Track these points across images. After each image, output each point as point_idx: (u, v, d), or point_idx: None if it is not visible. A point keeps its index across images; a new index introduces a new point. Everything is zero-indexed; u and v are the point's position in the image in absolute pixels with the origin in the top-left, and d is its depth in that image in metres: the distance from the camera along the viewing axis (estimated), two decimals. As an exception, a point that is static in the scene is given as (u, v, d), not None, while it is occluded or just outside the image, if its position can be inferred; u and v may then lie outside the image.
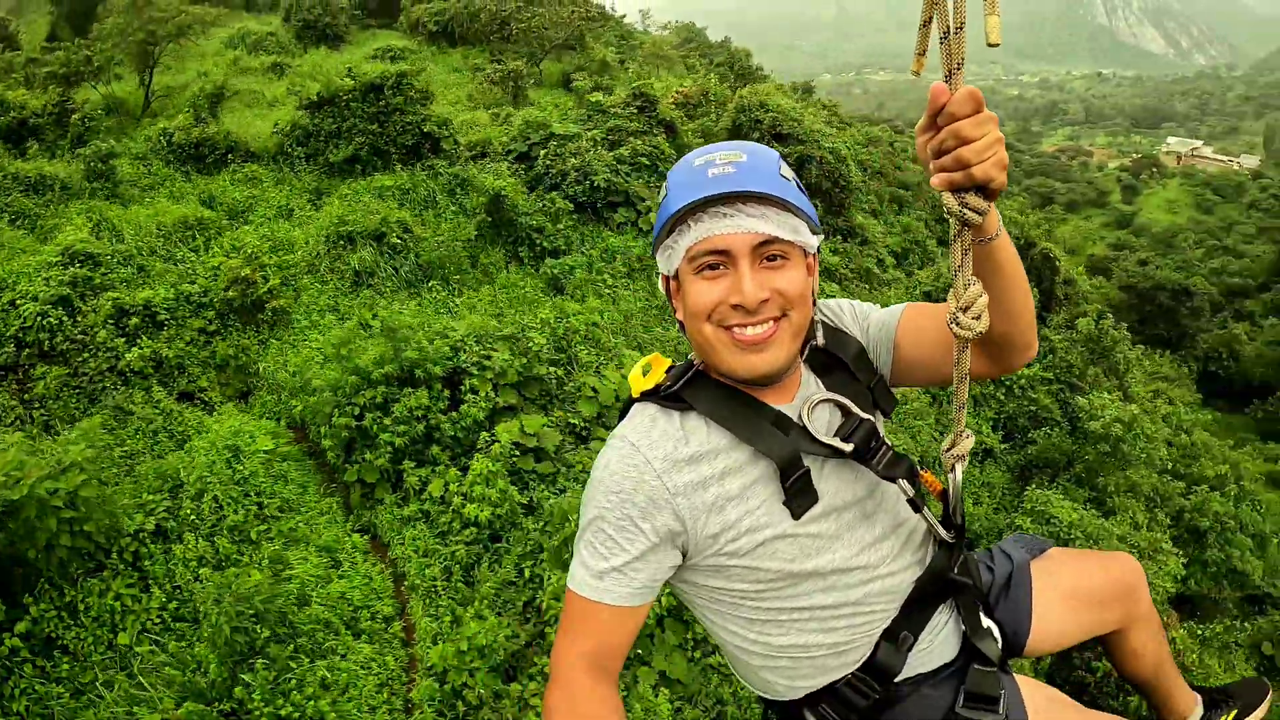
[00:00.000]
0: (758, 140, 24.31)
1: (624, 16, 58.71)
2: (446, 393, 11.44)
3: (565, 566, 6.06)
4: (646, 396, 2.01)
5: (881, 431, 2.04)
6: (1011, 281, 1.83)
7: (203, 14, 32.21)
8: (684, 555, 1.93)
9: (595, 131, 20.66)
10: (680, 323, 2.00)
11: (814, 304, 1.97)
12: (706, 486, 1.88)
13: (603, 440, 4.82)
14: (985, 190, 1.60)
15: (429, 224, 18.02)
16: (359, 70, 20.82)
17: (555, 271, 17.07)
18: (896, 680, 2.05)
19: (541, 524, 9.88)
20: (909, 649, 2.04)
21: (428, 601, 9.65)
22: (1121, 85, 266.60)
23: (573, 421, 11.78)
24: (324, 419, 11.53)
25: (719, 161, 1.87)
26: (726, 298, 1.84)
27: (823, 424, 1.98)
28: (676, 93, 26.20)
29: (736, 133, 23.07)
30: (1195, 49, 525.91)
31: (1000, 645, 2.20)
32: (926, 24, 1.58)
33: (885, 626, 2.03)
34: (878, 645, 2.02)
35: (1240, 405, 42.59)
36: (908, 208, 29.36)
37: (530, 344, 12.25)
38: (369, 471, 11.04)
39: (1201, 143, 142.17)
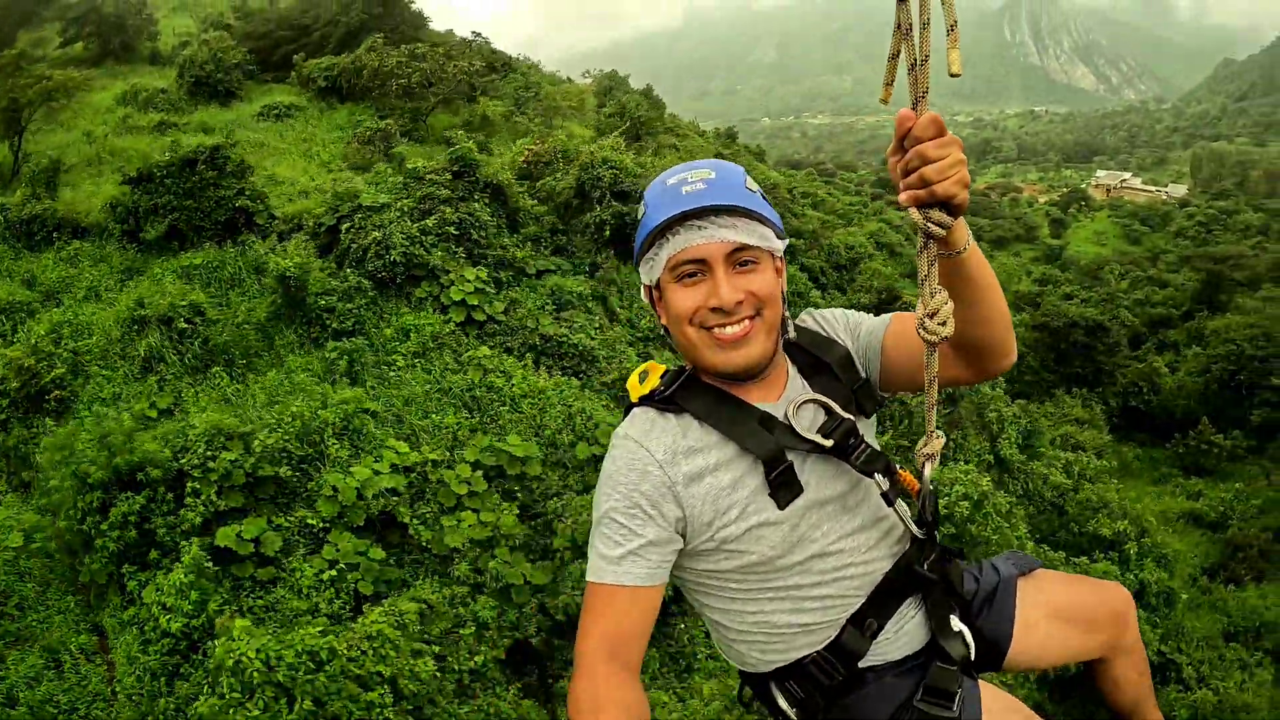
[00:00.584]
0: (599, 196, 23.37)
1: (538, 63, 58.31)
2: (170, 495, 10.54)
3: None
4: (644, 401, 2.22)
5: (861, 430, 2.20)
6: (983, 291, 1.99)
7: (68, 79, 31.19)
8: (684, 540, 2.11)
9: (406, 201, 19.81)
10: (664, 328, 2.21)
11: (784, 301, 2.18)
12: (702, 478, 2.09)
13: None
14: (949, 207, 1.77)
15: (233, 304, 17.16)
16: (182, 143, 19.95)
17: (336, 355, 16.18)
18: (862, 666, 2.21)
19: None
20: (873, 635, 2.20)
21: (131, 708, 9.31)
22: (1053, 122, 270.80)
23: (310, 522, 10.92)
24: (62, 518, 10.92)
25: (691, 180, 2.10)
26: (705, 302, 2.06)
27: (807, 422, 2.16)
28: (528, 150, 25.26)
29: (580, 190, 22.53)
30: (1125, 84, 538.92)
31: (971, 650, 2.29)
32: (894, 57, 1.77)
33: (853, 612, 2.19)
34: (844, 629, 2.19)
35: (1163, 439, 41.82)
36: (799, 254, 28.70)
37: (260, 443, 11.39)
38: (99, 573, 10.42)
39: (1130, 174, 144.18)
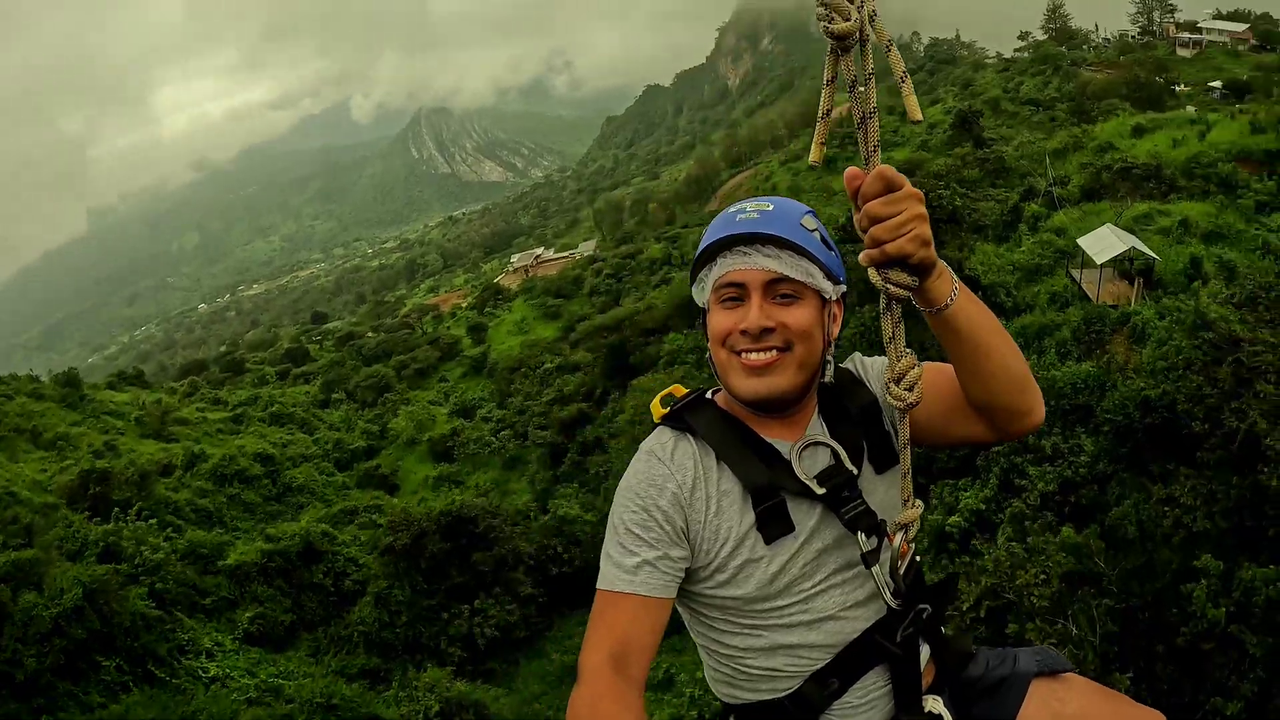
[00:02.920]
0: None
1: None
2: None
3: None
4: (664, 420, 2.24)
5: (866, 485, 2.19)
6: (979, 347, 1.98)
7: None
8: (691, 559, 2.12)
9: None
10: (708, 351, 2.22)
11: (828, 345, 2.16)
12: (709, 503, 2.11)
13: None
14: (909, 265, 1.80)
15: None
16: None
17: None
18: None
19: None
20: (833, 695, 2.18)
21: None
22: (472, 221, 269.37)
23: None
24: None
25: (749, 209, 2.13)
26: (737, 325, 2.07)
27: (809, 465, 2.15)
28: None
29: None
30: (531, 166, 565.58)
31: None
32: (826, 115, 1.79)
33: (818, 669, 2.17)
34: (806, 681, 2.17)
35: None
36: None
37: None
38: None
39: (542, 249, 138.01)
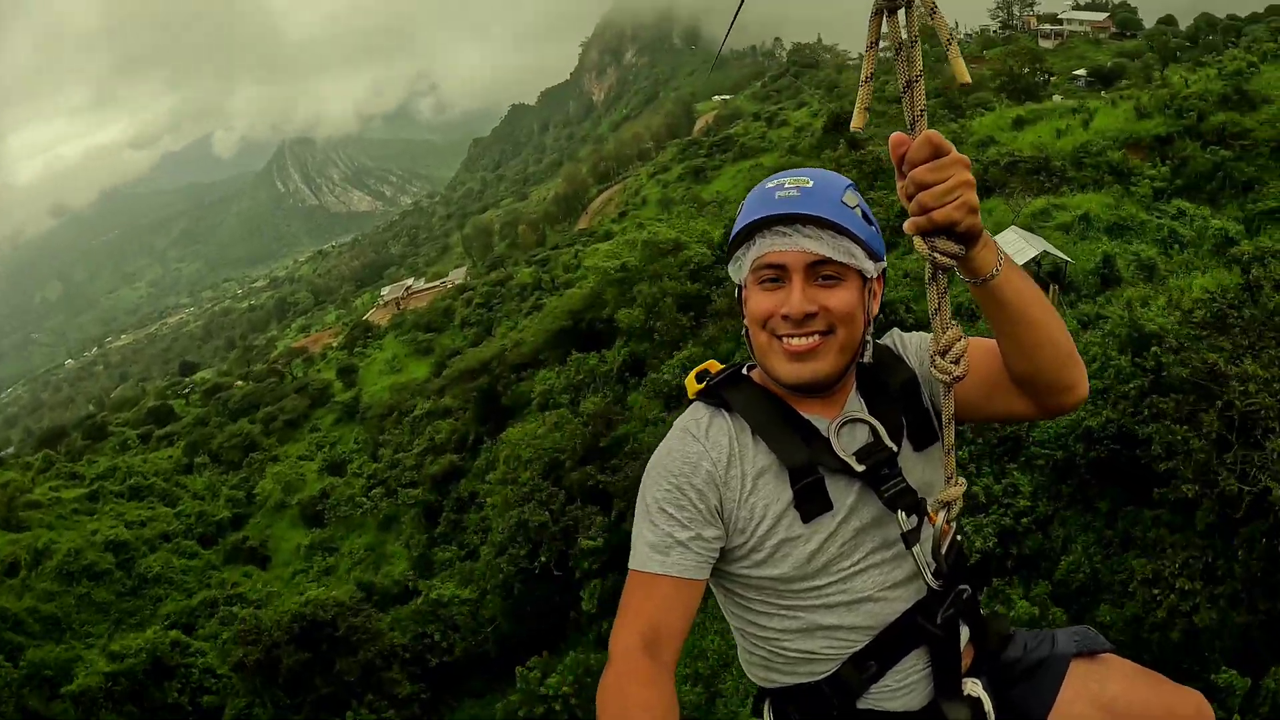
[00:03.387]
0: None
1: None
2: None
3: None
4: (699, 396, 2.21)
5: (906, 463, 2.14)
6: (1023, 320, 1.91)
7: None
8: (726, 539, 2.08)
9: None
10: (745, 328, 2.16)
11: (868, 324, 2.11)
12: (744, 482, 2.07)
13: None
14: (955, 233, 1.74)
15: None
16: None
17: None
18: (860, 707, 2.16)
19: None
20: (871, 678, 2.13)
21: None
22: (342, 254, 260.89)
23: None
24: None
25: (787, 185, 2.05)
26: (778, 309, 2.02)
27: (848, 442, 2.10)
28: None
29: None
30: (399, 193, 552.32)
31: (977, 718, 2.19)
32: (869, 79, 1.75)
33: (856, 651, 2.12)
34: (844, 664, 2.13)
35: None
36: None
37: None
38: None
39: (413, 280, 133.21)
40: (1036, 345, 1.93)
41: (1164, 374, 16.19)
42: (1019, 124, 45.12)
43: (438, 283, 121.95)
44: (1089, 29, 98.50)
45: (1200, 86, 37.94)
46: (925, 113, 1.71)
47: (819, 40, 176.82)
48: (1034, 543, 16.88)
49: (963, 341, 1.92)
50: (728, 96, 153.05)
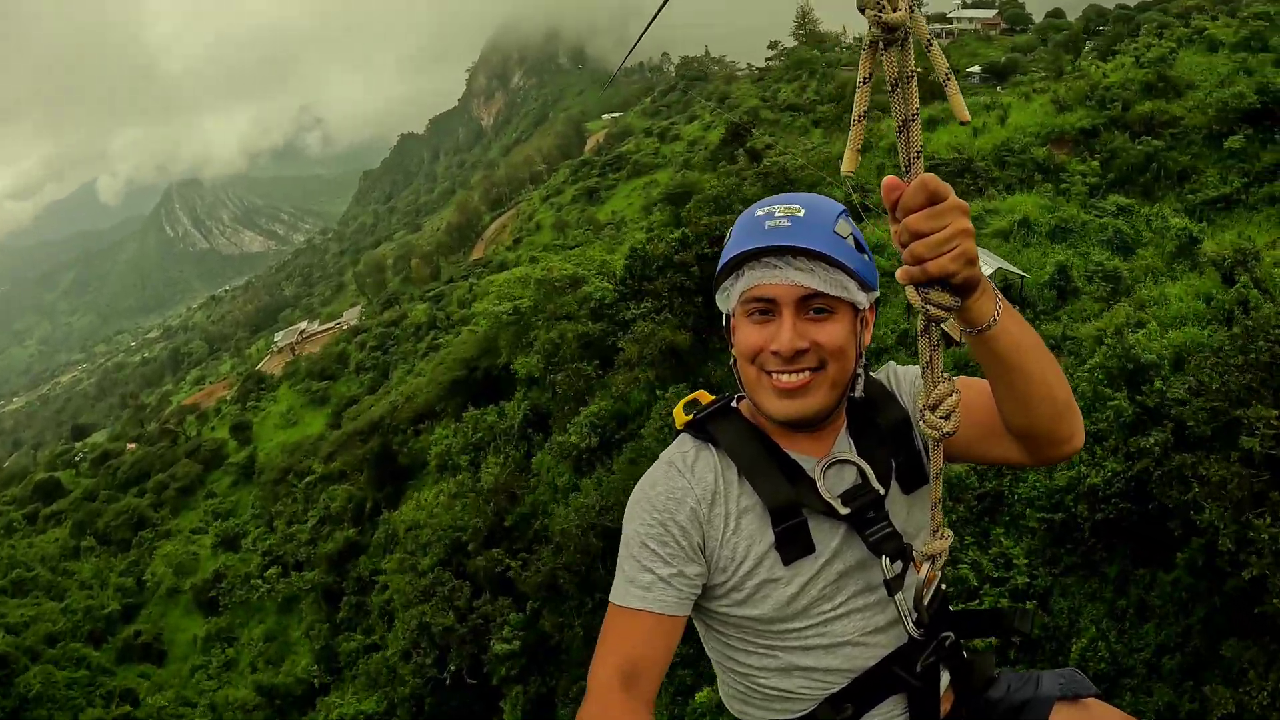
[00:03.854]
0: None
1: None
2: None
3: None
4: (687, 428, 2.15)
5: (893, 506, 2.08)
6: (1020, 372, 1.82)
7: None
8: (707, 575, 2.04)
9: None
10: (734, 359, 2.08)
11: (859, 357, 2.03)
12: (728, 520, 2.01)
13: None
14: (951, 285, 1.62)
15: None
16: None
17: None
18: None
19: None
20: None
21: None
22: (236, 298, 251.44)
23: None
24: None
25: (777, 214, 1.97)
26: (768, 344, 1.94)
27: (835, 484, 2.05)
28: None
29: None
30: (293, 231, 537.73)
31: None
32: (862, 118, 1.61)
33: (832, 693, 2.09)
34: (820, 705, 2.09)
35: None
36: None
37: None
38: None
39: (306, 323, 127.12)
40: (1031, 399, 1.83)
41: (1185, 427, 13.60)
42: (930, 124, 42.70)
43: (332, 324, 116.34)
44: (979, 26, 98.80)
45: (1120, 76, 35.76)
46: (921, 154, 1.57)
47: (707, 53, 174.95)
48: (1038, 623, 14.40)
49: (954, 397, 1.78)
50: (618, 114, 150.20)
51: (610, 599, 2.00)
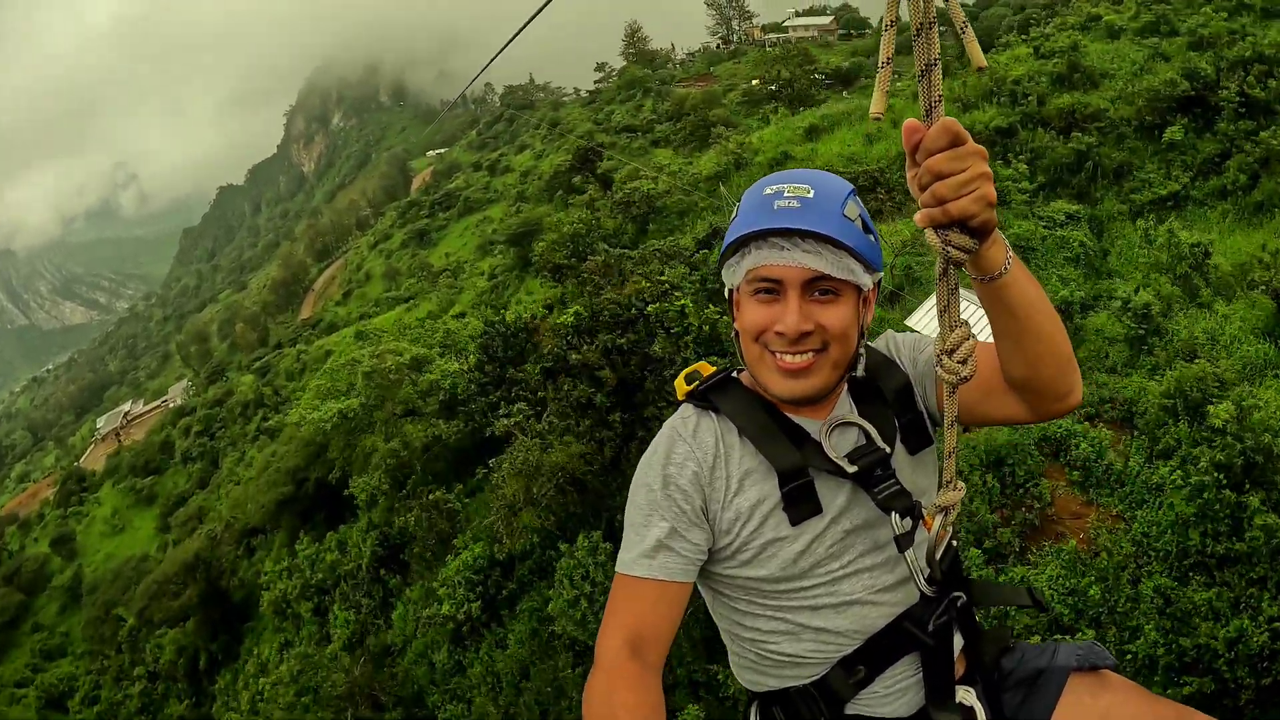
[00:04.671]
0: None
1: None
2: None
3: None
4: (689, 397, 2.14)
5: (899, 465, 2.05)
6: (1027, 324, 1.78)
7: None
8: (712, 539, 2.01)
9: None
10: (736, 331, 2.07)
11: (861, 337, 2.03)
12: (729, 483, 1.99)
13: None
14: (970, 228, 1.58)
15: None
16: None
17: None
18: (849, 713, 2.07)
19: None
20: (859, 684, 2.04)
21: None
22: (59, 377, 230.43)
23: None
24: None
25: (787, 194, 1.93)
26: (773, 324, 1.93)
27: (839, 444, 2.03)
28: None
29: None
30: (116, 298, 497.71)
31: None
32: (888, 62, 1.56)
33: (844, 655, 2.04)
34: (832, 668, 2.04)
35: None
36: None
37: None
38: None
39: (130, 404, 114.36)
40: (1037, 352, 1.80)
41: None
42: (813, 133, 37.32)
43: (158, 403, 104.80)
44: (816, 33, 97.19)
45: (1024, 68, 30.78)
46: (942, 99, 1.52)
47: (531, 80, 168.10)
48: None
49: (970, 341, 1.74)
50: (443, 150, 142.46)
51: (616, 568, 1.97)
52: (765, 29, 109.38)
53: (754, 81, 63.72)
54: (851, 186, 2.01)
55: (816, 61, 61.37)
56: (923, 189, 1.55)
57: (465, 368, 26.96)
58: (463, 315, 44.42)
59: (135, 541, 63.47)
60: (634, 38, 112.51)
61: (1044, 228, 22.57)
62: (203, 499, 55.12)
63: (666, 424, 2.09)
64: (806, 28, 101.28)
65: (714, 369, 2.19)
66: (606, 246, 28.24)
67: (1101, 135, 26.11)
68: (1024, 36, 38.79)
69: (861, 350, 2.04)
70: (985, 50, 40.27)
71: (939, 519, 1.96)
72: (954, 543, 2.04)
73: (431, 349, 32.50)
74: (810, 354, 1.93)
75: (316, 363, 63.65)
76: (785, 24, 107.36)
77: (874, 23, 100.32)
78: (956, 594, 2.08)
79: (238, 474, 52.14)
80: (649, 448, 2.06)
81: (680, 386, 2.17)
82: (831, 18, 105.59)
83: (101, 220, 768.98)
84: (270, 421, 56.03)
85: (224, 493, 50.11)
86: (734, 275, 2.00)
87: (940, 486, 1.98)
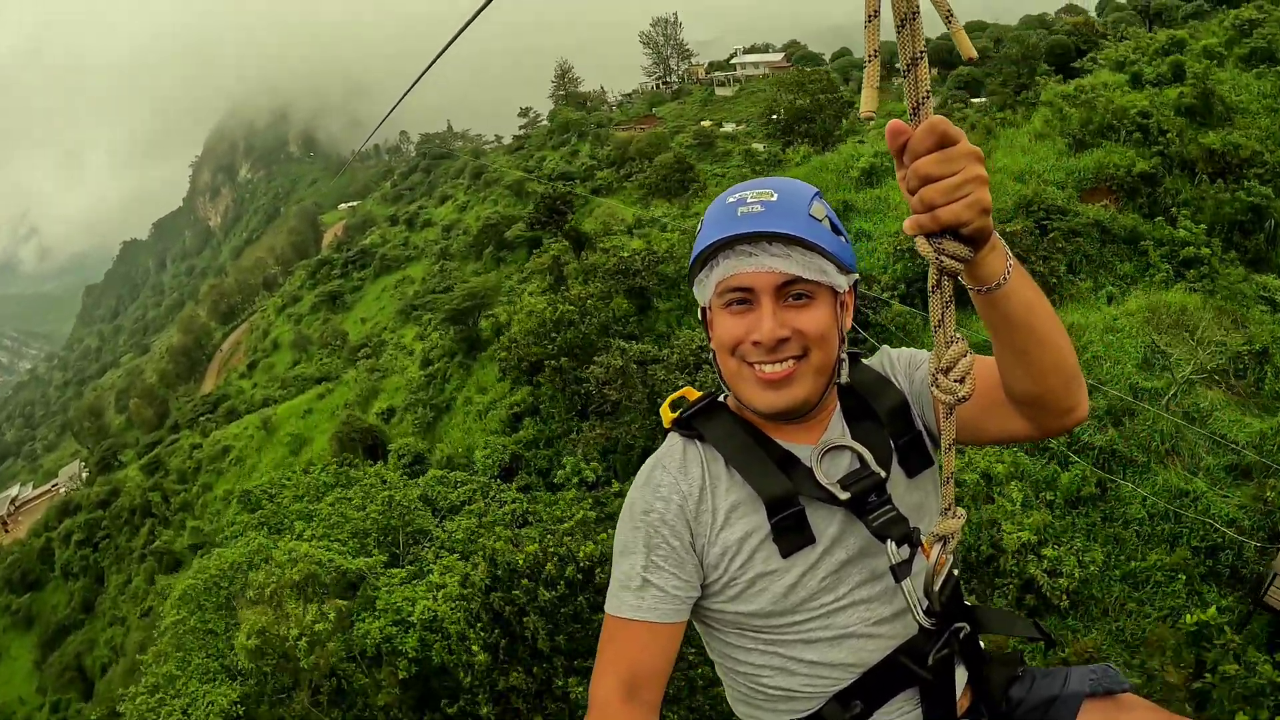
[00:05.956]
0: None
1: None
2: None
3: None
4: (674, 426, 2.00)
5: (895, 490, 1.90)
6: (1030, 336, 1.61)
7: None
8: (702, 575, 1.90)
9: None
10: (712, 352, 1.94)
11: (842, 341, 1.88)
12: (715, 516, 1.86)
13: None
14: (963, 235, 1.43)
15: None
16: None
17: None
18: None
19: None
20: (856, 718, 1.90)
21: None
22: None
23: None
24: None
25: (749, 200, 1.82)
26: (748, 335, 1.80)
27: (832, 470, 1.89)
28: None
29: None
30: (18, 358, 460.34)
31: None
32: (875, 55, 1.39)
33: (840, 689, 1.90)
34: (827, 702, 1.91)
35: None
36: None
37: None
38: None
39: (19, 487, 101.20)
40: (1041, 365, 1.63)
41: None
42: (871, 177, 29.93)
43: (48, 486, 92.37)
44: (768, 70, 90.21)
45: (1142, 99, 23.11)
46: (930, 95, 1.38)
47: (449, 128, 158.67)
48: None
49: (969, 358, 1.56)
50: (355, 203, 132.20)
51: (606, 609, 1.87)
52: (711, 67, 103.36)
53: (773, 113, 55.42)
54: (817, 189, 1.87)
55: (837, 90, 53.54)
56: (911, 193, 1.41)
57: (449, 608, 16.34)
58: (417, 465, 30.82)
59: (10, 675, 52.61)
60: (564, 78, 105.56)
61: (1264, 309, 15.09)
62: (82, 639, 44.99)
63: (652, 458, 1.94)
64: (757, 65, 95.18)
65: (699, 394, 2.02)
66: (622, 344, 20.01)
67: (1260, 183, 19.07)
68: (1096, 62, 31.52)
69: (844, 356, 1.89)
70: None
71: (937, 548, 1.78)
72: (954, 572, 1.85)
73: (373, 555, 19.81)
74: (790, 361, 1.78)
75: (212, 461, 53.58)
76: (733, 61, 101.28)
77: (826, 59, 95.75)
78: (960, 625, 1.90)
79: (121, 609, 42.28)
80: (636, 479, 1.93)
81: (666, 414, 2.01)
82: (783, 55, 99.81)
83: (3, 275, 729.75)
84: (156, 543, 45.80)
85: (106, 637, 40.08)
86: (704, 291, 1.86)
87: (939, 513, 1.81)
